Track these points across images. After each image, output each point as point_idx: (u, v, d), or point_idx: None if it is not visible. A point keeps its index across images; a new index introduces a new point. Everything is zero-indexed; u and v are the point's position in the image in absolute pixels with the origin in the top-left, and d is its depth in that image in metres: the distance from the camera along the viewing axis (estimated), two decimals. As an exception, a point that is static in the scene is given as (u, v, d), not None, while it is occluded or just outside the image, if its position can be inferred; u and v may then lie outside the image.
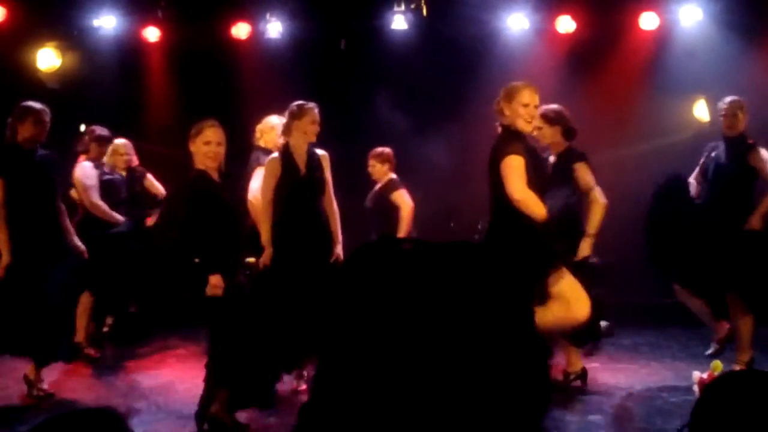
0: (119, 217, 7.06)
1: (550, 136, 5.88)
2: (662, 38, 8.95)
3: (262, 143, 6.39)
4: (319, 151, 5.76)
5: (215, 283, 4.78)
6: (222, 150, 5.01)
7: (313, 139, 5.69)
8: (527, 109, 5.08)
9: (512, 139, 5.00)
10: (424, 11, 9.01)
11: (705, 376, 5.36)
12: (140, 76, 9.56)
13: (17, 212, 5.56)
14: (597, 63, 9.02)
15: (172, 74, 9.54)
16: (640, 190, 6.91)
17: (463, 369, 0.82)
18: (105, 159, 7.19)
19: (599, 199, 5.71)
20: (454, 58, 9.13)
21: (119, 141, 7.38)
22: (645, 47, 8.94)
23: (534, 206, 4.87)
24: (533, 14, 9.04)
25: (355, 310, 0.86)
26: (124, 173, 7.35)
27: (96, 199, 6.98)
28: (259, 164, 6.06)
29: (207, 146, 4.94)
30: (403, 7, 8.99)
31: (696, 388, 5.41)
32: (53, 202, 5.79)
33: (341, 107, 9.14)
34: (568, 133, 5.91)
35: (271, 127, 6.34)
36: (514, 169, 4.85)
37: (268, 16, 9.19)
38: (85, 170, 7.06)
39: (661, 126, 8.78)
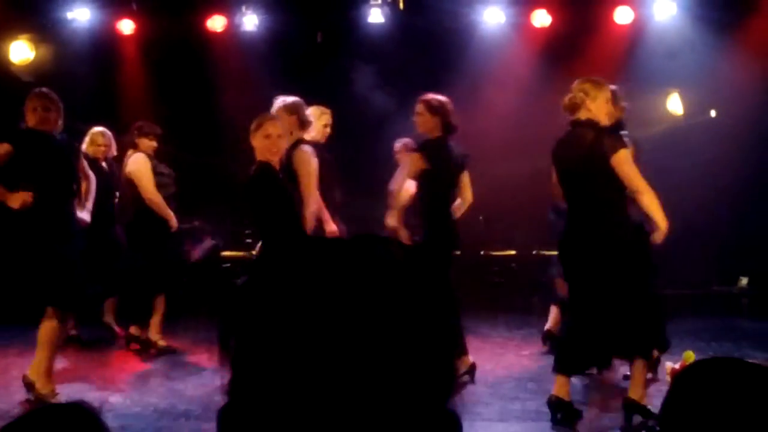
0: (170, 212, 6.88)
1: (429, 124, 5.80)
2: (636, 32, 9.02)
3: (306, 136, 6.35)
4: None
5: None
6: (283, 142, 5.13)
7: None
8: (608, 106, 5.02)
9: (608, 133, 4.84)
10: (401, 4, 9.02)
11: (677, 366, 5.42)
12: (115, 69, 9.50)
13: (32, 190, 5.45)
14: (572, 56, 9.06)
15: (147, 67, 9.49)
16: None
17: (369, 367, 0.82)
18: (84, 148, 7.03)
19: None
20: (431, 51, 9.15)
21: (98, 129, 7.22)
22: (619, 41, 9.01)
23: (651, 196, 4.73)
24: (509, 8, 9.08)
25: (272, 306, 0.86)
26: (104, 164, 7.23)
27: (156, 191, 6.84)
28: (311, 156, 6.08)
29: (268, 139, 5.02)
30: (379, 1, 9.00)
31: (668, 378, 5.47)
32: (70, 184, 5.70)
33: (318, 101, 9.13)
34: (447, 127, 5.82)
35: (316, 117, 6.35)
36: (631, 163, 4.71)
37: (243, 8, 9.16)
38: (140, 163, 6.89)
39: (635, 119, 8.83)
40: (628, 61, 8.96)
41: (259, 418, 0.85)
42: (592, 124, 4.88)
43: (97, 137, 7.14)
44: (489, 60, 8.97)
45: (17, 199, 5.30)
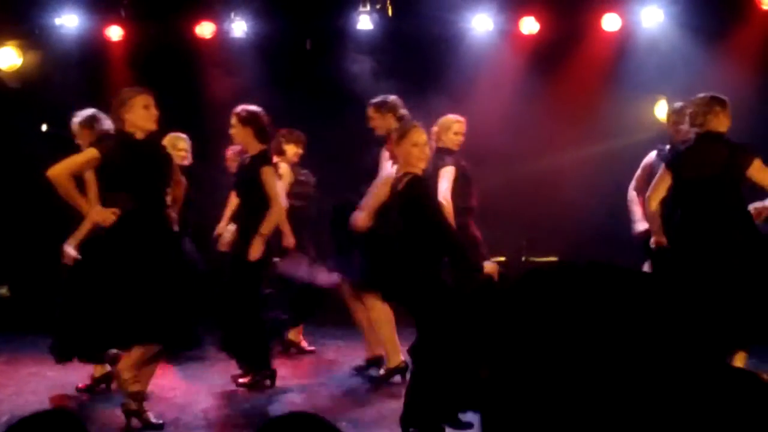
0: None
1: (242, 136, 5.88)
2: (624, 39, 9.06)
3: (441, 144, 6.35)
4: None
5: (491, 269, 4.94)
6: (429, 150, 5.04)
7: None
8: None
9: (732, 142, 5.34)
10: (390, 11, 9.03)
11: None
12: (103, 76, 9.45)
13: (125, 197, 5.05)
14: (560, 63, 9.11)
15: (136, 74, 9.43)
16: (601, 190, 7.00)
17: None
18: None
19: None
20: (419, 58, 9.17)
21: (178, 134, 6.88)
22: (607, 48, 9.05)
23: None
24: (497, 15, 9.10)
25: (528, 333, 0.93)
26: None
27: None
28: (445, 165, 6.12)
29: (416, 148, 4.92)
30: (368, 8, 9.01)
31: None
32: (162, 191, 5.32)
33: (306, 108, 9.13)
34: (262, 134, 5.90)
35: (448, 126, 6.38)
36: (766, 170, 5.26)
37: (232, 15, 9.15)
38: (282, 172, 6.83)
39: (623, 126, 8.89)
40: (616, 68, 9.01)
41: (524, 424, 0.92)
42: (719, 136, 5.40)
43: (178, 142, 6.81)
44: (477, 67, 9.00)
45: (101, 215, 4.94)
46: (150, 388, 5.94)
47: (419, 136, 4.96)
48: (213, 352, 6.76)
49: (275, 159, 6.85)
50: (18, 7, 8.83)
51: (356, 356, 7.12)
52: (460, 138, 6.43)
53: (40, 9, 8.90)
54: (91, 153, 5.00)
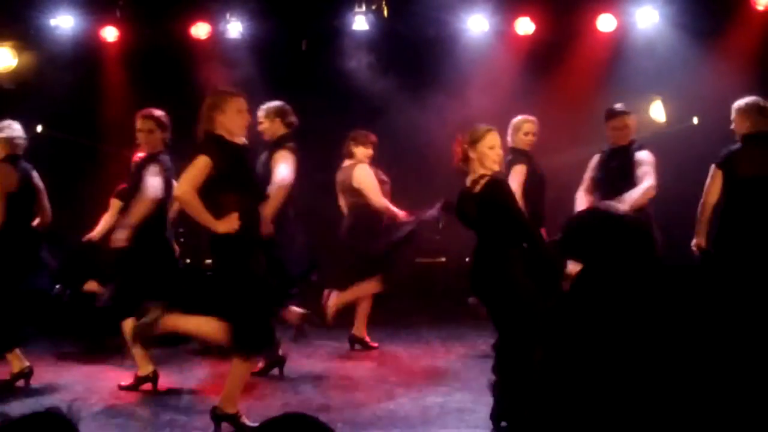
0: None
1: (154, 139, 5.99)
2: (619, 40, 9.08)
3: (512, 144, 6.50)
4: None
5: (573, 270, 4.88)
6: (502, 153, 5.11)
7: None
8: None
9: None
10: (385, 12, 9.04)
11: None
12: (98, 77, 9.46)
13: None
14: (555, 64, 9.12)
15: (131, 74, 9.45)
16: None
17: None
18: None
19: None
20: (415, 59, 9.18)
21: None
22: (602, 49, 9.07)
23: None
24: (493, 16, 9.12)
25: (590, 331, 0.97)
26: None
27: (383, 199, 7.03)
28: (515, 164, 6.35)
29: (492, 150, 4.96)
30: (364, 8, 9.01)
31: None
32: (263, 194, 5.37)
33: (302, 108, 9.12)
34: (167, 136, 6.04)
35: (518, 127, 6.52)
36: None
37: (228, 16, 9.14)
38: (367, 170, 7.02)
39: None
40: (611, 69, 9.02)
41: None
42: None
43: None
44: (473, 67, 9.01)
45: (228, 226, 4.79)
46: (143, 388, 5.95)
47: (495, 139, 5.01)
48: (209, 354, 6.76)
49: (347, 162, 7.07)
50: (13, 8, 8.82)
51: (351, 355, 7.13)
52: (531, 138, 6.54)
53: (35, 10, 8.89)
54: (204, 161, 4.79)
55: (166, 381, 6.18)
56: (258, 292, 4.89)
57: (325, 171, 7.54)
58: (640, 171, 6.24)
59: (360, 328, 7.29)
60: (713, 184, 6.00)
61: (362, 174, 7.02)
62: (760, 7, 8.44)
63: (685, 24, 8.72)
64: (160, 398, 5.78)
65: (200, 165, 4.77)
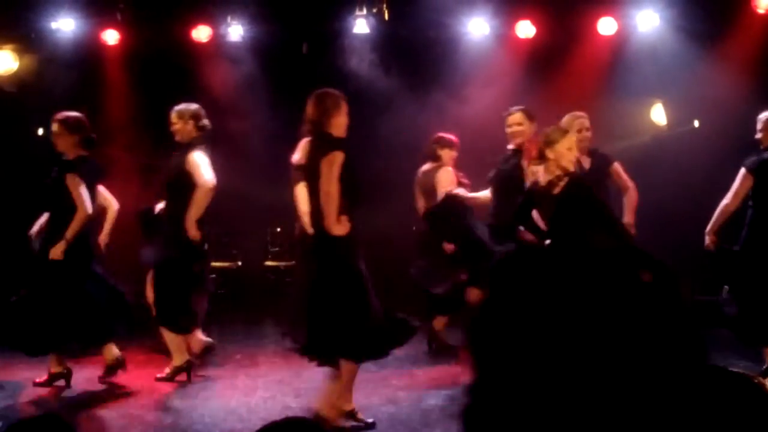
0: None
1: (66, 143, 6.04)
2: (620, 43, 9.08)
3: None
4: None
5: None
6: (578, 154, 5.36)
7: None
8: None
9: None
10: (386, 15, 9.04)
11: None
12: (99, 80, 9.46)
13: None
14: (556, 67, 9.12)
15: (132, 77, 9.46)
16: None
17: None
18: None
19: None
20: (416, 62, 9.18)
21: None
22: (603, 52, 9.07)
23: None
24: (493, 19, 9.12)
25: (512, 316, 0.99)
26: None
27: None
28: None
29: (570, 152, 5.16)
30: (364, 11, 9.02)
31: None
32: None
33: (303, 111, 9.12)
34: (87, 142, 6.11)
35: (570, 124, 6.46)
36: None
37: (229, 19, 9.15)
38: (450, 174, 7.03)
39: (619, 129, 8.90)
40: (612, 72, 9.02)
41: (501, 415, 0.98)
42: None
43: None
44: (473, 71, 9.01)
45: (342, 227, 4.85)
46: (146, 392, 5.95)
47: (572, 140, 5.24)
48: (210, 356, 6.76)
49: (429, 165, 7.09)
50: (14, 11, 8.83)
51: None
52: (584, 134, 6.45)
53: (36, 13, 8.90)
54: (341, 156, 4.85)
55: (167, 385, 6.18)
56: (366, 295, 4.92)
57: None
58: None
59: None
60: (742, 187, 6.12)
61: (446, 177, 7.04)
62: (761, 10, 8.44)
63: (686, 27, 8.72)
64: (161, 401, 5.78)
65: (339, 160, 4.84)
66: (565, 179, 5.12)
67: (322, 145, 4.90)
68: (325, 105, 5.00)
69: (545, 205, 5.17)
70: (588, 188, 5.14)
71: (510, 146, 6.54)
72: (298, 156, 5.08)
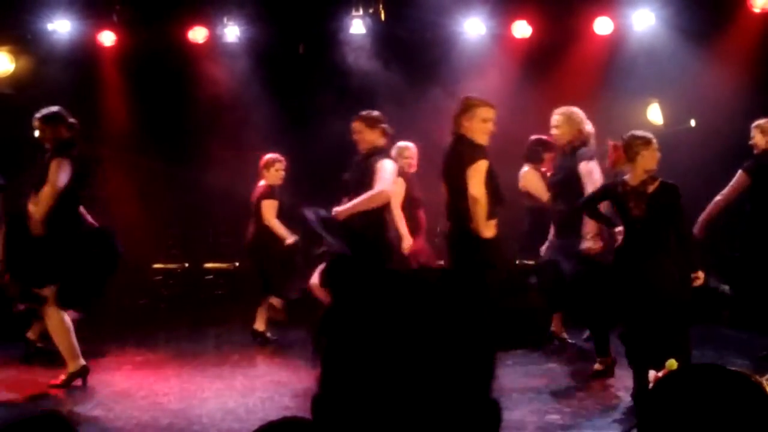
0: None
1: (49, 135, 6.16)
2: (616, 43, 9.09)
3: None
4: None
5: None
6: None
7: None
8: None
9: None
10: (382, 16, 9.04)
11: (660, 374, 5.44)
12: (95, 81, 9.45)
13: None
14: (552, 67, 9.12)
15: (128, 79, 9.45)
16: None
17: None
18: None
19: None
20: (412, 62, 9.17)
21: (406, 144, 7.34)
22: (599, 51, 9.07)
23: None
24: (490, 19, 9.12)
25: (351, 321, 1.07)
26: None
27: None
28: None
29: (653, 158, 5.47)
30: (361, 12, 9.02)
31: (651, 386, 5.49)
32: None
33: (299, 112, 9.13)
34: (70, 128, 6.22)
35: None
36: None
37: (225, 20, 9.15)
38: (535, 176, 7.15)
39: (615, 129, 8.89)
40: (608, 71, 9.02)
41: (345, 404, 1.06)
42: None
43: (404, 151, 7.28)
44: (470, 70, 9.00)
45: (491, 230, 5.37)
46: (143, 393, 5.94)
47: (655, 146, 5.54)
48: (208, 357, 6.76)
49: (528, 167, 7.19)
50: (10, 13, 8.81)
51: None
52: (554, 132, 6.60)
53: (32, 14, 8.89)
54: (485, 165, 5.30)
55: (164, 386, 6.18)
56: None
57: (324, 171, 7.53)
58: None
59: None
60: (738, 188, 6.42)
61: (531, 178, 7.19)
62: (757, 9, 8.45)
63: (682, 26, 8.72)
64: (158, 402, 5.77)
65: (483, 169, 5.27)
66: (659, 181, 5.49)
67: (465, 152, 5.34)
68: (461, 108, 5.40)
69: (636, 204, 5.45)
70: (678, 192, 5.51)
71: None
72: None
